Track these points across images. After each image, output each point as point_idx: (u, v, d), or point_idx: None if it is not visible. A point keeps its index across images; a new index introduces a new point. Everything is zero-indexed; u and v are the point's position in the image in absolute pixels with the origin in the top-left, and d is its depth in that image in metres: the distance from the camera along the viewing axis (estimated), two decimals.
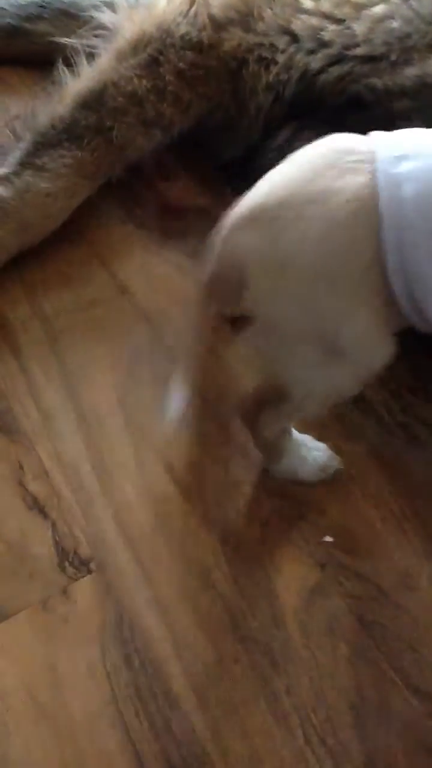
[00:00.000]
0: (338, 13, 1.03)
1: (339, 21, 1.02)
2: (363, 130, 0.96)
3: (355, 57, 1.01)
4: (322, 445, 0.87)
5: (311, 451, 0.86)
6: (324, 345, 0.67)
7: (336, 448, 0.88)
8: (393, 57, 0.98)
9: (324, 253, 0.62)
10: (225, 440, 0.90)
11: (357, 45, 1.01)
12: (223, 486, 0.87)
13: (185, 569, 0.81)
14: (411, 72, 0.97)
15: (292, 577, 0.81)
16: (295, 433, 0.84)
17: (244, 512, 0.85)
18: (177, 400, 0.77)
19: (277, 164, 0.97)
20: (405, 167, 0.62)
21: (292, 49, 1.04)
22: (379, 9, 1.01)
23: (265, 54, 1.05)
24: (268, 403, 0.77)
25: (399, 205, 0.61)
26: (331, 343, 0.66)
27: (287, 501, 0.86)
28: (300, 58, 1.03)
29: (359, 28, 1.01)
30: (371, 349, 0.68)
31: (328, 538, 0.84)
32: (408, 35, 0.98)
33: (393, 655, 0.78)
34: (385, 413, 0.93)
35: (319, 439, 0.87)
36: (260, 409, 0.78)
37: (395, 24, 0.99)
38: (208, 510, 0.85)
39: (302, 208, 0.62)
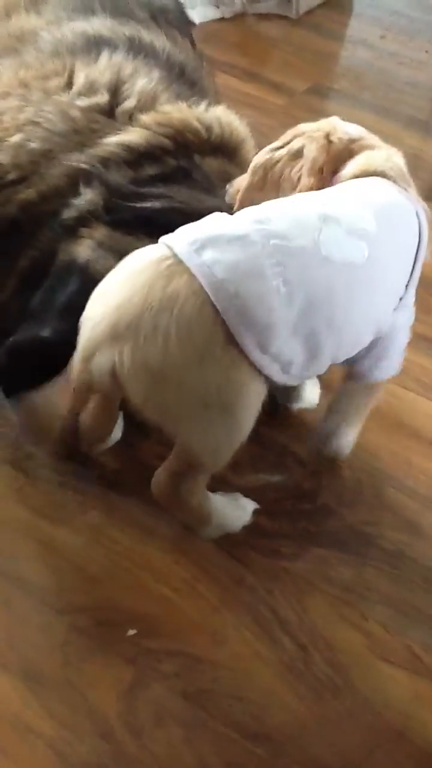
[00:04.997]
0: None
1: None
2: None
3: (10, 182, 1.07)
4: (232, 494, 0.92)
5: (228, 503, 0.91)
6: (214, 407, 0.74)
7: (111, 541, 0.90)
8: (42, 169, 1.06)
9: (188, 346, 0.71)
10: (0, 578, 0.88)
11: (8, 172, 1.07)
12: (9, 623, 0.84)
13: None
14: (57, 172, 1.05)
15: (107, 684, 0.80)
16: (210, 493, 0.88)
17: (39, 642, 0.83)
18: None
19: None
20: (207, 255, 0.72)
21: None
22: (16, 138, 1.08)
23: None
24: (183, 476, 0.82)
25: (219, 287, 0.71)
26: (219, 403, 0.74)
27: (80, 612, 0.85)
28: None
29: (4, 157, 1.08)
30: (253, 396, 0.77)
31: (132, 632, 0.84)
32: (50, 150, 1.06)
33: (224, 713, 0.78)
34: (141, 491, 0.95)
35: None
36: (177, 485, 0.83)
37: (34, 145, 1.07)
38: (1, 654, 0.81)
39: (155, 319, 0.70)
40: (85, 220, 0.97)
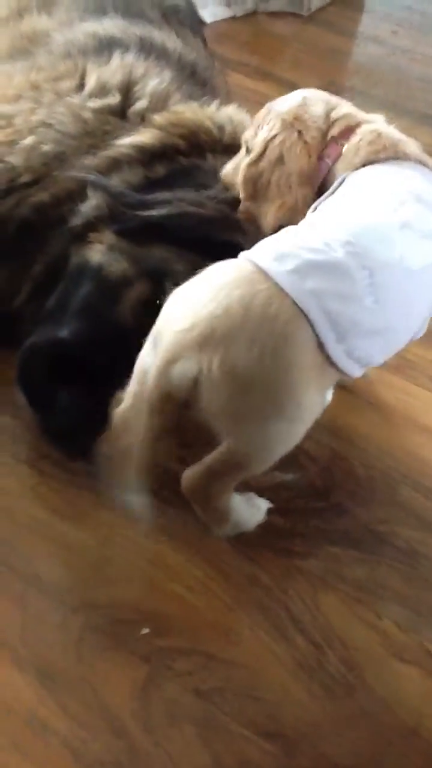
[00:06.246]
0: None
1: None
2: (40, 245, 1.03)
3: (23, 184, 1.08)
4: (246, 494, 0.93)
5: (243, 502, 0.92)
6: (286, 418, 0.78)
7: (126, 539, 0.91)
8: (54, 171, 1.06)
9: (282, 362, 0.75)
10: (16, 576, 0.88)
11: (21, 174, 1.08)
12: (24, 621, 0.84)
13: (10, 721, 0.77)
14: (69, 176, 1.05)
15: (121, 682, 0.80)
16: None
17: (54, 639, 0.83)
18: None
19: None
20: (309, 284, 0.75)
21: None
22: (29, 140, 1.09)
23: None
24: (219, 475, 0.83)
25: (322, 315, 0.75)
26: (293, 415, 0.78)
27: (94, 610, 0.85)
28: None
29: (17, 160, 1.08)
30: (318, 407, 0.81)
31: (145, 630, 0.84)
32: (62, 152, 1.07)
33: (237, 711, 0.79)
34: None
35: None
36: (210, 483, 0.84)
37: (47, 147, 1.07)
38: (16, 652, 0.82)
39: (253, 333, 0.73)
40: (92, 225, 0.98)
